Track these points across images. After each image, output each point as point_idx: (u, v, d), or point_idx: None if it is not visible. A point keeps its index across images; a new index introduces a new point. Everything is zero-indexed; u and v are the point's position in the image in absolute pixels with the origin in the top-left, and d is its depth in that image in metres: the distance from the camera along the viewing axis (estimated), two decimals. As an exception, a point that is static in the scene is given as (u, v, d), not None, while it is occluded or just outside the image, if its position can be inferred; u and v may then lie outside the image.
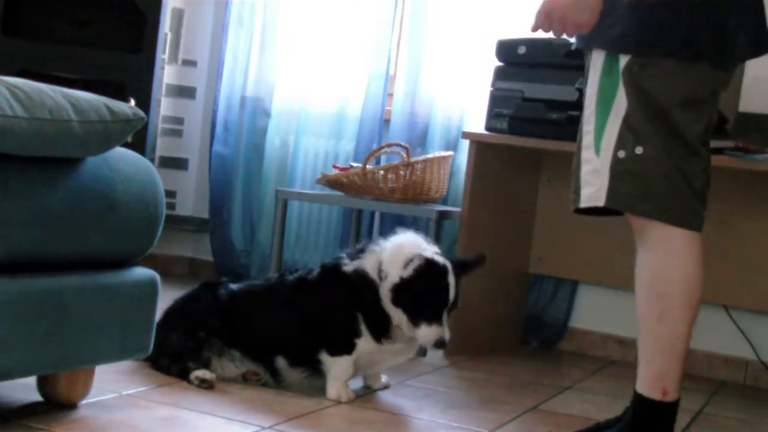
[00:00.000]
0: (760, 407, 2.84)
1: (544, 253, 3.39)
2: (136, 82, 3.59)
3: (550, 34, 1.92)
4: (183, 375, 2.25)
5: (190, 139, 4.22)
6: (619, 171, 1.85)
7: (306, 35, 3.90)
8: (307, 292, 2.33)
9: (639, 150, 1.83)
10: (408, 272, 2.18)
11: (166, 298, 2.38)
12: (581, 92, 2.01)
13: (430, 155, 3.28)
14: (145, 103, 3.53)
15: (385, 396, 2.38)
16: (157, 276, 1.95)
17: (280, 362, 2.31)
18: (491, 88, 3.15)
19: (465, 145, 3.28)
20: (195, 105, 4.22)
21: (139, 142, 3.44)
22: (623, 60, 1.85)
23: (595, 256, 3.26)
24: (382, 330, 2.25)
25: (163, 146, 4.19)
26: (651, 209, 1.86)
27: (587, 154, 1.89)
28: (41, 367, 1.75)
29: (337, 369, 2.27)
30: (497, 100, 3.10)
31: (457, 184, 3.51)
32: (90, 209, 1.76)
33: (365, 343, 2.26)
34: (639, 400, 1.91)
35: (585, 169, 1.89)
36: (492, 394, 2.55)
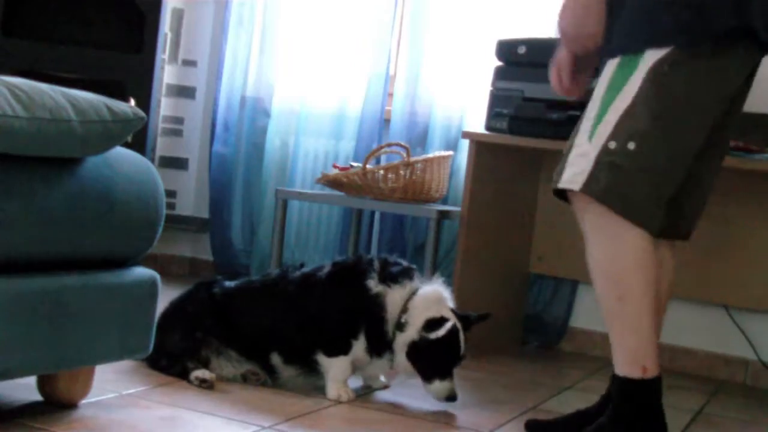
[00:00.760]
0: (760, 407, 2.84)
1: (544, 253, 3.39)
2: (136, 82, 3.59)
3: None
4: (182, 375, 2.25)
5: (190, 139, 4.22)
6: (604, 161, 1.85)
7: (306, 35, 3.90)
8: (312, 290, 2.33)
9: (631, 145, 1.83)
10: (429, 336, 2.22)
11: (166, 298, 2.38)
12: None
13: (430, 155, 3.28)
14: (145, 103, 3.53)
15: (385, 396, 2.38)
16: (157, 276, 1.95)
17: (275, 359, 2.32)
18: (491, 88, 3.15)
19: (465, 145, 3.28)
20: (195, 105, 4.22)
21: (139, 142, 3.44)
22: (650, 57, 1.83)
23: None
24: (379, 352, 2.30)
25: (163, 146, 4.19)
26: (621, 205, 1.85)
27: (581, 138, 1.90)
28: (41, 367, 1.75)
29: (335, 370, 2.27)
30: (497, 100, 3.10)
31: (457, 184, 3.51)
32: (90, 209, 1.76)
33: (360, 349, 2.28)
34: (620, 382, 1.91)
35: (574, 152, 1.90)
36: (492, 394, 2.55)
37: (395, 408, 2.27)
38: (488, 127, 3.11)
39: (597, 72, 1.98)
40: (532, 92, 3.02)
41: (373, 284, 2.28)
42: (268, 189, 3.88)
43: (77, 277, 1.77)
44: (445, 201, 3.48)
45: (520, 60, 3.08)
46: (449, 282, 3.03)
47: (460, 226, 3.05)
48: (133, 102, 3.39)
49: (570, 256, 3.32)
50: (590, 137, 1.87)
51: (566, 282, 3.43)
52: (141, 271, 1.92)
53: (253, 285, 2.45)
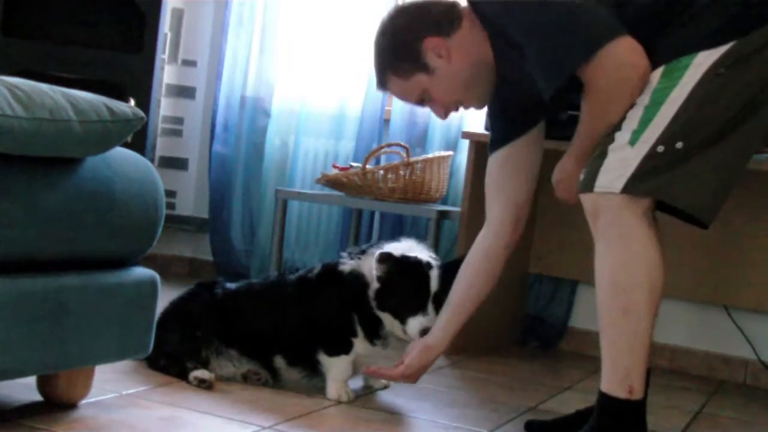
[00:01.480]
0: (760, 407, 2.84)
1: (544, 253, 3.39)
2: (136, 82, 3.59)
3: None
4: (181, 375, 2.25)
5: (190, 139, 4.22)
6: (649, 165, 1.80)
7: (306, 35, 3.91)
8: (306, 291, 2.33)
9: (679, 145, 1.79)
10: (379, 273, 2.20)
11: (166, 298, 2.38)
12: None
13: (430, 155, 3.29)
14: (145, 103, 3.53)
15: (385, 396, 2.38)
16: (157, 276, 1.95)
17: (279, 361, 2.32)
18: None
19: (465, 145, 3.28)
20: (195, 105, 4.22)
21: (139, 142, 3.44)
22: (703, 61, 1.80)
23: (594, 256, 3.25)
24: (374, 332, 2.26)
25: (163, 146, 4.19)
26: (670, 195, 1.82)
27: (620, 142, 1.83)
28: (41, 367, 1.75)
29: (335, 369, 2.27)
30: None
31: (457, 184, 3.51)
32: (90, 209, 1.76)
33: (361, 343, 2.27)
34: (605, 399, 1.87)
35: (612, 157, 1.83)
36: (492, 394, 2.55)
37: (395, 408, 2.27)
38: (488, 127, 3.11)
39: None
40: (532, 92, 3.01)
41: (346, 266, 2.30)
42: (268, 189, 3.88)
43: (77, 277, 1.77)
44: (445, 201, 3.48)
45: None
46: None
47: (460, 226, 3.05)
48: (132, 102, 3.39)
49: (570, 256, 3.33)
50: (633, 143, 1.82)
51: (566, 282, 3.43)
52: (141, 271, 1.92)
53: (254, 286, 2.45)
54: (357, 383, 2.42)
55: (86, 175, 1.76)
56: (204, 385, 2.21)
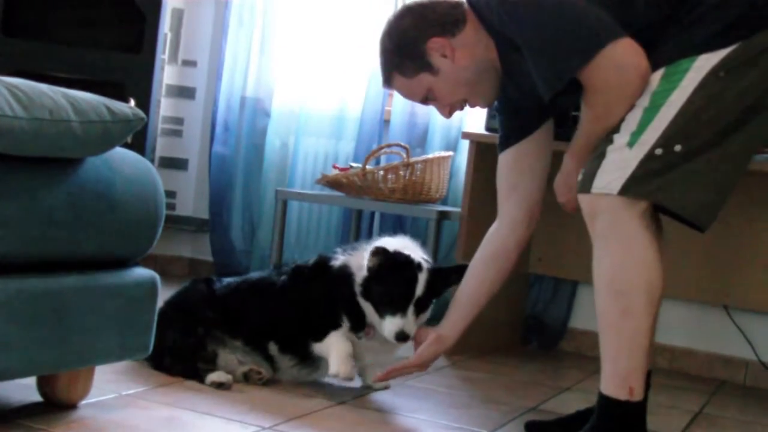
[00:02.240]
0: (760, 407, 2.84)
1: (544, 253, 3.39)
2: (136, 82, 3.59)
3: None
4: (195, 377, 2.25)
5: (190, 139, 4.22)
6: (648, 167, 1.80)
7: (306, 35, 3.91)
8: (297, 280, 2.37)
9: (678, 147, 1.79)
10: (370, 264, 2.21)
11: (166, 298, 2.38)
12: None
13: (430, 155, 3.29)
14: (145, 103, 3.53)
15: (385, 396, 2.38)
16: (157, 276, 1.95)
17: (273, 348, 2.34)
18: (491, 88, 3.15)
19: (465, 145, 3.28)
20: (195, 105, 4.22)
21: (139, 143, 3.44)
22: (706, 63, 1.80)
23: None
24: (358, 325, 2.28)
25: (163, 146, 4.19)
26: (668, 199, 1.82)
27: (618, 144, 1.83)
28: (41, 367, 1.75)
29: (332, 348, 2.26)
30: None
31: (457, 184, 3.51)
32: (90, 209, 1.76)
33: (344, 334, 2.29)
34: (605, 401, 1.87)
35: (610, 158, 1.83)
36: (492, 394, 2.55)
37: (395, 408, 2.27)
38: (488, 128, 3.11)
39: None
40: (532, 92, 3.01)
41: (338, 261, 2.33)
42: (268, 189, 3.88)
43: (77, 278, 1.77)
44: (445, 201, 3.48)
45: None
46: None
47: (460, 227, 3.06)
48: (133, 102, 3.39)
49: (570, 257, 3.33)
50: (631, 144, 1.81)
51: (566, 282, 3.43)
52: (141, 272, 1.92)
53: (251, 278, 2.49)
54: (357, 383, 2.42)
55: (86, 175, 1.76)
56: (223, 387, 2.21)
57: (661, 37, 1.87)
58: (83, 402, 1.96)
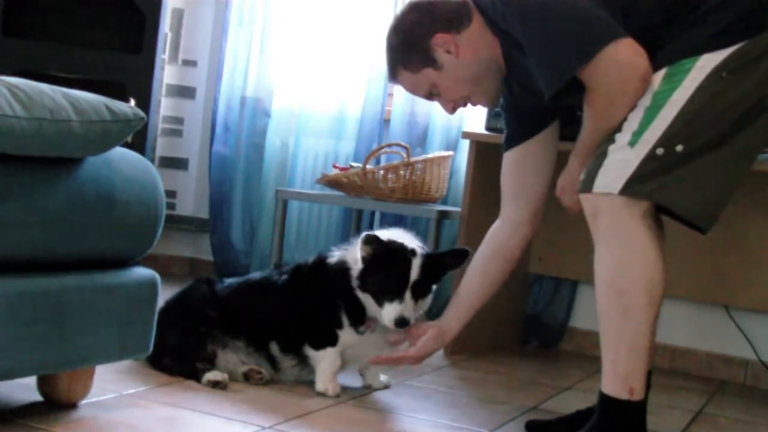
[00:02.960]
0: (760, 407, 2.84)
1: (544, 253, 3.39)
2: (136, 82, 3.59)
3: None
4: (192, 376, 2.25)
5: (190, 139, 4.22)
6: (649, 167, 1.80)
7: (306, 35, 3.90)
8: (296, 280, 2.38)
9: (679, 147, 1.79)
10: (363, 253, 2.22)
11: (166, 298, 2.38)
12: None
13: (430, 155, 3.29)
14: (145, 103, 3.53)
15: (385, 396, 2.38)
16: (157, 276, 1.95)
17: (274, 348, 2.35)
18: (491, 88, 3.15)
19: (465, 145, 3.28)
20: (195, 105, 4.22)
21: (139, 142, 3.44)
22: (706, 63, 1.80)
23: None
24: (359, 319, 2.29)
25: (163, 146, 4.19)
26: (668, 199, 1.82)
27: (620, 143, 1.83)
28: (41, 367, 1.75)
29: (323, 363, 2.30)
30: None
31: (457, 184, 3.51)
32: (90, 209, 1.76)
33: (347, 335, 2.29)
34: (606, 401, 1.87)
35: (612, 158, 1.83)
36: (492, 394, 2.55)
37: (395, 408, 2.27)
38: (488, 127, 3.11)
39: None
40: (532, 92, 3.01)
41: (334, 258, 2.34)
42: (268, 189, 3.88)
43: (77, 277, 1.77)
44: (445, 201, 3.48)
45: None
46: (448, 282, 3.04)
47: (460, 226, 3.05)
48: (133, 102, 3.39)
49: (570, 257, 3.33)
50: (633, 144, 1.81)
51: (566, 282, 3.43)
52: (141, 271, 1.92)
53: (252, 279, 2.50)
54: (357, 383, 2.42)
55: (86, 175, 1.76)
56: (219, 386, 2.21)
57: (663, 37, 1.87)
58: (83, 402, 1.96)
